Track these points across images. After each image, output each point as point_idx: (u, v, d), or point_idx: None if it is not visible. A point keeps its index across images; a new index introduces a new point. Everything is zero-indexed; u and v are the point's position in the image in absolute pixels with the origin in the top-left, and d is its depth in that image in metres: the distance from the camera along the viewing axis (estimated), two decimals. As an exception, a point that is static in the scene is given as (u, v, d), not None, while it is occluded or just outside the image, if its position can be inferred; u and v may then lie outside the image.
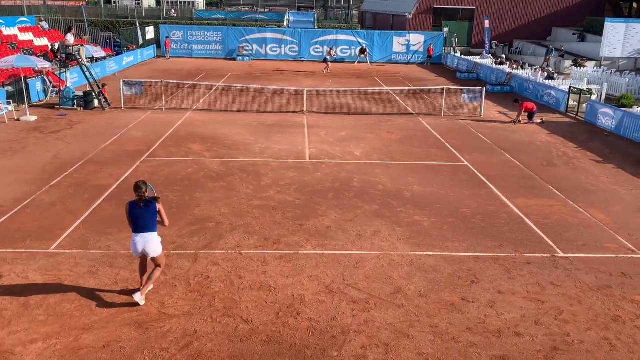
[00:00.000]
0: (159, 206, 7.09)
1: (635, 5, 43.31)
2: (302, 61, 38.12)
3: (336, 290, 7.77)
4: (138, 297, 7.19)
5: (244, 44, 38.40)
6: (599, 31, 32.84)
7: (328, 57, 32.86)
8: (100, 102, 19.97)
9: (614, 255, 9.14)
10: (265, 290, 7.72)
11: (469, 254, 9.02)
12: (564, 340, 6.74)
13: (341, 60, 38.18)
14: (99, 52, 28.68)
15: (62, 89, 20.56)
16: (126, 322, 6.87)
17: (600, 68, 29.42)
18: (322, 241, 9.36)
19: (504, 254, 9.06)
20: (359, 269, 8.41)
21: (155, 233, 7.18)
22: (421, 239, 9.58)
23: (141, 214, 7.02)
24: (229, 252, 8.86)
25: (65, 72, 21.61)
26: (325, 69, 32.05)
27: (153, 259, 7.32)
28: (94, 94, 19.96)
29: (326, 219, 10.35)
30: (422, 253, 9.02)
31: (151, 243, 7.12)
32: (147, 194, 7.01)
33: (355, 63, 37.55)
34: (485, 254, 9.04)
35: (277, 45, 38.78)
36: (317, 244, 9.24)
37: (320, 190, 11.87)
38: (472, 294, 7.76)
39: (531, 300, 7.65)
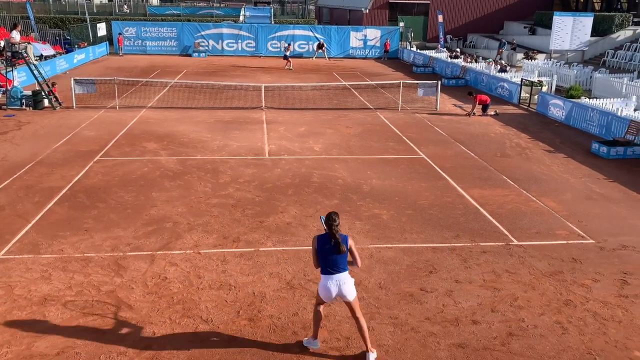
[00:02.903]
0: (350, 242, 6.05)
1: (581, -1, 44.79)
2: (260, 57, 37.86)
3: (297, 286, 7.77)
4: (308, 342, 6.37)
5: (200, 40, 37.83)
6: (548, 24, 33.89)
7: (287, 53, 32.66)
8: (50, 102, 19.31)
9: (565, 242, 9.46)
10: (225, 289, 7.65)
11: (427, 245, 9.17)
12: (519, 326, 6.94)
13: (299, 56, 38.06)
14: (47, 49, 27.76)
15: (8, 88, 19.78)
16: (81, 327, 6.68)
17: (550, 60, 30.35)
18: (283, 237, 9.33)
19: (460, 244, 9.25)
20: (319, 264, 8.42)
21: (348, 273, 6.08)
22: (380, 231, 9.67)
23: (333, 251, 5.93)
24: (187, 252, 8.74)
25: (12, 71, 20.81)
26: (287, 65, 31.86)
27: (351, 304, 6.14)
28: (43, 93, 19.28)
29: (286, 215, 10.32)
30: (381, 245, 9.12)
31: (347, 285, 6.03)
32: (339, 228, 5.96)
33: (313, 58, 37.54)
34: (442, 245, 9.21)
35: (234, 41, 38.36)
36: (278, 241, 9.21)
37: (280, 187, 11.83)
38: (430, 284, 7.89)
39: (487, 288, 7.83)
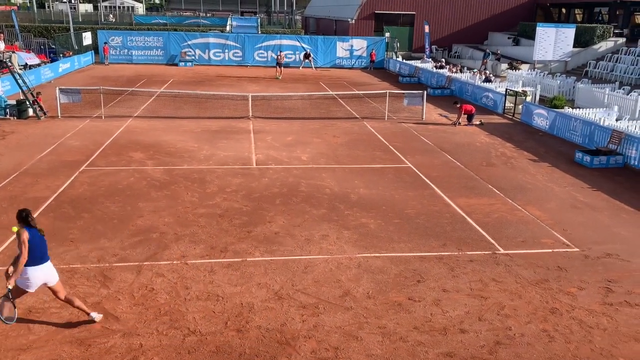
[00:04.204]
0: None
1: (564, 10, 45.58)
2: (247, 66, 37.92)
3: (285, 296, 7.75)
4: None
5: (186, 49, 37.80)
6: (531, 35, 34.37)
7: (282, 62, 32.94)
8: (35, 111, 19.14)
9: (550, 250, 9.56)
10: (212, 300, 7.61)
11: (414, 254, 9.21)
12: (506, 335, 6.99)
13: (286, 65, 38.13)
14: (32, 58, 27.55)
15: (-8, 97, 19.57)
16: (67, 339, 6.60)
17: (533, 71, 30.77)
18: (271, 247, 9.32)
19: (447, 253, 9.31)
20: (307, 274, 8.43)
21: None
22: (368, 241, 9.70)
23: (42, 241, 6.48)
24: (174, 262, 8.68)
25: (-4, 80, 20.62)
26: (279, 73, 32.14)
27: (54, 287, 6.73)
28: (28, 103, 19.12)
29: (274, 224, 10.31)
30: (369, 255, 9.14)
31: (52, 270, 6.66)
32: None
33: (300, 68, 37.68)
34: (429, 254, 9.26)
35: (221, 50, 38.39)
36: (265, 250, 9.19)
37: (267, 196, 11.82)
38: (418, 294, 7.92)
39: (474, 297, 7.88)
